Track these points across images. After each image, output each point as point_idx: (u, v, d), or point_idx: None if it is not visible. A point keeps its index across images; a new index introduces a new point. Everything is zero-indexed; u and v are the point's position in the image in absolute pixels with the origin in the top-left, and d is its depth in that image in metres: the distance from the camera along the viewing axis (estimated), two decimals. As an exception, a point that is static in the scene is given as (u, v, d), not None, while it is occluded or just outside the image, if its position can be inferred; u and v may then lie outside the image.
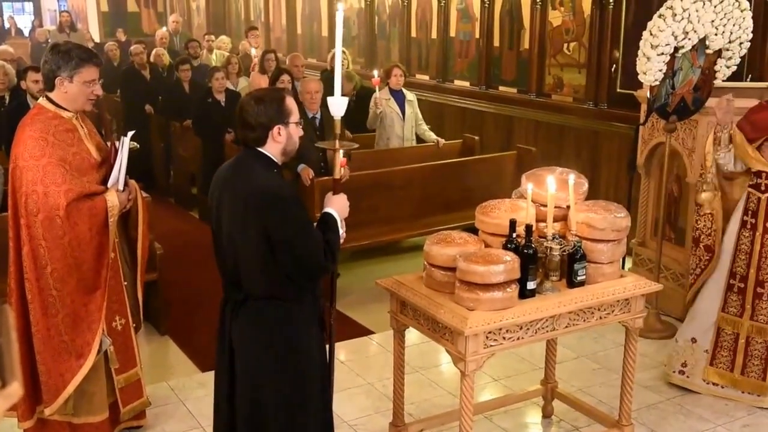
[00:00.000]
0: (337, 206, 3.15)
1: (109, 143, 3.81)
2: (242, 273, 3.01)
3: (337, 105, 3.17)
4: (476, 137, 7.90)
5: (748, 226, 4.51)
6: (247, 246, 2.95)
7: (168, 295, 5.72)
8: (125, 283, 3.83)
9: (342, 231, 3.15)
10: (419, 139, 7.73)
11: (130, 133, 3.71)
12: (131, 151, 3.81)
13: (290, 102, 3.06)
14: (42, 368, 3.59)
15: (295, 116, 3.07)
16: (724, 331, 4.63)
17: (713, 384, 4.65)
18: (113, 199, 3.59)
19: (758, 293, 4.51)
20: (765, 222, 4.44)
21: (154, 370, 4.97)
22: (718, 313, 4.63)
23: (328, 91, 7.13)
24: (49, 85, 3.58)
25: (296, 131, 3.09)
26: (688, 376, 4.70)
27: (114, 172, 3.63)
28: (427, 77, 9.81)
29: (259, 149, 3.03)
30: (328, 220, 3.10)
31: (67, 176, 3.47)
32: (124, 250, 3.85)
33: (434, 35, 9.66)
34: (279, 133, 3.01)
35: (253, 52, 9.96)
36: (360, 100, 7.92)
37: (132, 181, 3.77)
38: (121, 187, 3.65)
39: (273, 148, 3.03)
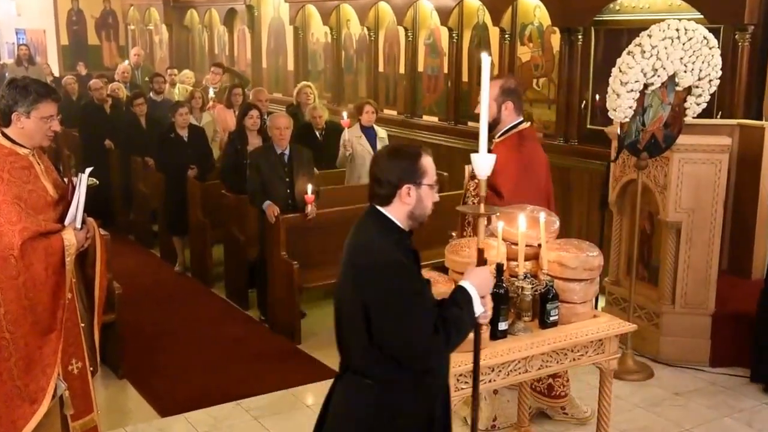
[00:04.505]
0: (477, 280, 2.79)
1: (66, 180, 3.77)
2: (344, 340, 2.81)
3: (483, 163, 2.82)
4: (445, 173, 7.94)
5: None
6: (348, 314, 2.74)
7: (127, 337, 5.64)
8: (82, 324, 3.76)
9: (482, 309, 2.78)
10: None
11: (88, 170, 3.67)
12: (90, 187, 3.77)
13: (426, 161, 2.75)
14: (-8, 415, 3.49)
15: (430, 178, 2.75)
16: None
17: None
18: (70, 238, 3.54)
19: None
20: None
21: (111, 415, 4.89)
22: None
23: (295, 126, 7.19)
24: (5, 121, 3.55)
25: (429, 195, 2.75)
26: None
27: (71, 209, 3.59)
28: (395, 112, 9.88)
29: (382, 209, 2.74)
30: (457, 294, 2.77)
31: (23, 214, 3.42)
32: (81, 291, 3.79)
33: (402, 70, 9.75)
34: (408, 193, 2.70)
35: (211, 93, 9.97)
36: (328, 135, 7.95)
37: (90, 219, 3.72)
38: (78, 225, 3.61)
39: (398, 210, 2.72)
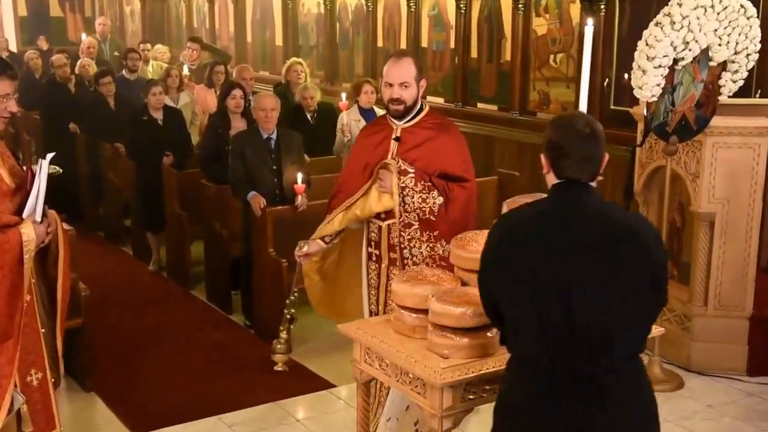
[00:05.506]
0: None
1: (25, 168, 3.77)
2: (617, 333, 2.77)
3: None
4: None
5: (374, 258, 4.53)
6: (631, 295, 2.77)
7: (95, 345, 5.64)
8: (42, 330, 3.76)
9: None
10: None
11: (50, 156, 3.66)
12: (53, 176, 3.77)
13: None
14: (-59, 432, 3.50)
15: None
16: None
17: None
18: (29, 232, 3.53)
19: None
20: (389, 252, 4.43)
21: (77, 432, 4.90)
22: None
23: (284, 108, 7.18)
24: (-45, 101, 3.54)
25: None
26: None
27: (30, 200, 3.58)
28: (395, 93, 9.85)
29: (591, 184, 2.90)
30: None
31: (-26, 206, 3.42)
32: (41, 292, 3.79)
33: (404, 45, 9.74)
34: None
35: (186, 70, 9.94)
36: (320, 118, 7.94)
37: (51, 212, 3.72)
38: (38, 218, 3.60)
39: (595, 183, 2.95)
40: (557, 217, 2.86)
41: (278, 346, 4.56)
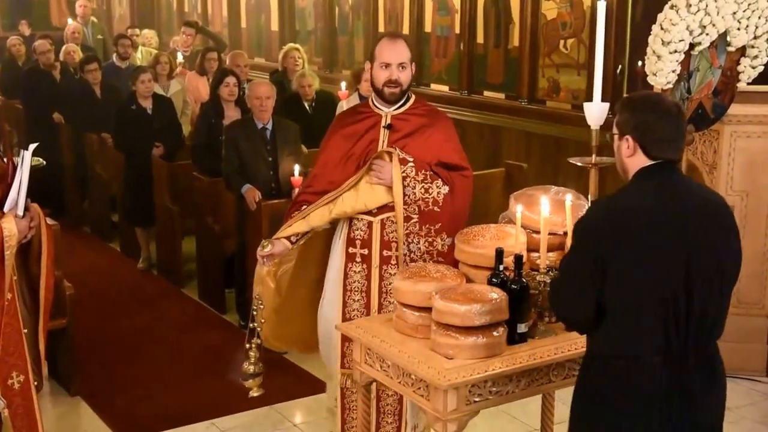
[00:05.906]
0: None
1: (6, 159, 3.77)
2: (721, 313, 3.07)
3: (597, 112, 3.23)
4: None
5: (357, 259, 4.32)
6: (729, 271, 3.00)
7: (80, 347, 5.64)
8: (25, 331, 3.75)
9: None
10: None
11: (32, 146, 3.64)
12: (36, 168, 3.77)
13: None
14: None
15: None
16: (350, 390, 4.37)
17: None
18: (11, 227, 3.53)
19: None
20: (382, 250, 4.28)
21: (62, 438, 4.91)
22: (338, 371, 4.42)
23: (281, 96, 7.14)
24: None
25: None
26: None
27: (12, 193, 3.57)
28: (397, 80, 9.85)
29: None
30: None
31: (-47, 199, 3.42)
32: (23, 291, 3.78)
33: (406, 30, 9.72)
34: None
35: (180, 57, 9.93)
36: (318, 107, 7.93)
37: (34, 205, 3.71)
38: (20, 213, 3.59)
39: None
40: (664, 200, 2.91)
41: (249, 368, 4.12)
